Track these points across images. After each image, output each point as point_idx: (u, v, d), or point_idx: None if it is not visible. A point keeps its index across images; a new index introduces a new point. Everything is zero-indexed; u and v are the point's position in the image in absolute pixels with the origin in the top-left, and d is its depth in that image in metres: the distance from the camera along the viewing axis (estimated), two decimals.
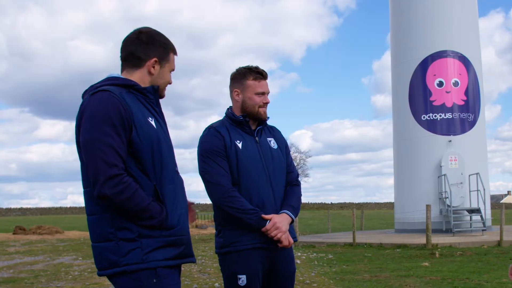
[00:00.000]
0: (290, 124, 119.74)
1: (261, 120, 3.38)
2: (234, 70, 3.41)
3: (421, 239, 15.36)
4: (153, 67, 2.61)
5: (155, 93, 2.60)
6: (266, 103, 3.35)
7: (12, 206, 75.49)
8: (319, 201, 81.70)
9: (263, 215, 3.14)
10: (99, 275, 2.47)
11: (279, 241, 3.15)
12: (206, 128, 3.34)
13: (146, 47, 2.60)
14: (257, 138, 3.34)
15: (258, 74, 3.34)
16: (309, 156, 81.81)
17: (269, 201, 3.22)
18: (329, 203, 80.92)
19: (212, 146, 3.21)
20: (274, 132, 3.50)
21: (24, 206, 76.09)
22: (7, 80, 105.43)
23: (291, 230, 3.29)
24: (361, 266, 11.18)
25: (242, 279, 3.14)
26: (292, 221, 3.26)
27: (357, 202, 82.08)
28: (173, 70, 2.72)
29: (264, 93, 3.34)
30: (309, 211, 67.70)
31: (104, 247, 2.42)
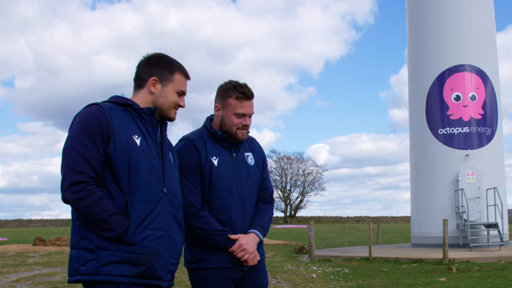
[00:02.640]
0: (308, 138, 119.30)
1: (239, 142, 3.24)
2: (223, 82, 3.23)
3: (438, 254, 15.24)
4: (154, 86, 2.72)
5: (151, 114, 2.68)
6: (246, 126, 3.16)
7: (33, 218, 76.29)
8: (336, 215, 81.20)
9: (230, 236, 3.07)
10: (68, 281, 2.54)
11: (245, 261, 3.11)
12: (183, 139, 3.20)
13: (149, 68, 2.74)
14: (234, 154, 3.20)
15: (242, 94, 3.12)
16: (326, 170, 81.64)
17: (239, 220, 3.14)
18: (346, 216, 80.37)
19: (187, 160, 3.08)
20: (253, 145, 3.36)
21: (45, 218, 76.83)
22: (33, 94, 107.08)
23: (260, 248, 3.23)
24: (377, 281, 11.14)
25: None
26: (260, 241, 3.18)
27: (373, 216, 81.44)
28: (181, 91, 2.78)
29: (245, 115, 3.15)
30: (326, 224, 67.36)
31: (72, 255, 2.54)
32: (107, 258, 2.44)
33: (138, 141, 2.58)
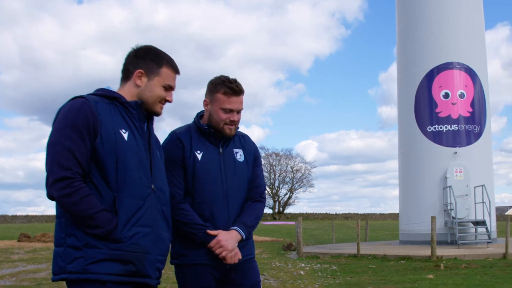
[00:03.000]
0: (296, 134, 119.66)
1: (226, 137, 3.19)
2: (213, 77, 3.21)
3: (426, 251, 15.26)
4: (139, 79, 2.64)
5: (138, 108, 2.60)
6: (233, 121, 3.12)
7: (18, 213, 75.70)
8: (324, 212, 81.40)
9: (209, 231, 3.00)
10: (52, 280, 2.46)
11: (223, 258, 3.02)
12: (170, 134, 3.20)
13: (137, 60, 2.66)
14: (221, 149, 3.16)
15: (230, 89, 3.09)
16: (314, 167, 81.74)
17: (222, 216, 3.07)
18: (334, 213, 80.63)
19: (170, 153, 3.06)
20: (245, 142, 3.29)
21: (30, 214, 76.23)
22: (18, 89, 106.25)
23: (250, 246, 3.18)
24: (365, 278, 11.11)
25: None
26: (242, 239, 3.07)
27: (361, 213, 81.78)
28: (169, 87, 2.70)
29: (232, 110, 3.11)
30: (314, 221, 67.46)
31: (57, 252, 2.45)
32: (95, 256, 2.37)
33: (125, 136, 2.50)
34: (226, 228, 3.07)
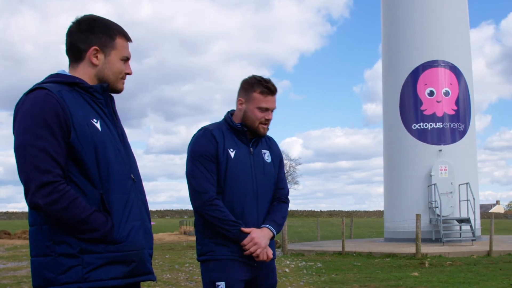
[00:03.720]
0: (281, 132, 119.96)
1: (259, 136, 3.24)
2: (246, 77, 3.25)
3: (410, 248, 15.27)
4: (95, 56, 2.35)
5: (104, 92, 2.35)
6: (268, 120, 3.19)
7: None
8: (309, 209, 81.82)
9: (243, 229, 3.04)
10: None
11: (257, 256, 3.06)
12: (201, 129, 3.19)
13: (85, 36, 2.34)
14: (251, 149, 3.20)
15: (266, 88, 3.15)
16: (299, 164, 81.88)
17: (252, 215, 3.11)
18: (319, 210, 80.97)
19: (204, 149, 3.07)
20: (271, 144, 3.37)
21: (10, 210, 75.50)
22: None
23: (272, 246, 3.19)
24: (350, 275, 11.06)
25: (221, 286, 3.04)
26: (273, 237, 3.15)
27: (346, 210, 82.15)
28: (126, 58, 2.43)
29: (268, 109, 3.17)
30: (298, 218, 67.56)
31: (40, 263, 2.18)
32: (95, 262, 2.15)
33: (98, 126, 2.24)
34: (255, 226, 3.10)
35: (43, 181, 2.10)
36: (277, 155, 3.35)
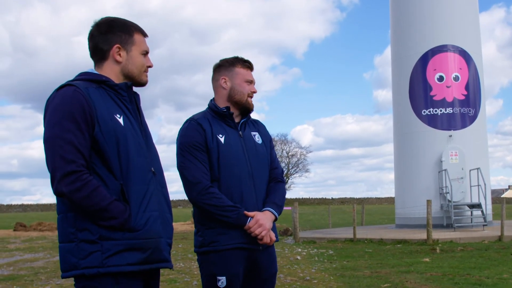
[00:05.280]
0: (292, 119, 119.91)
1: (248, 111, 3.26)
2: (217, 61, 3.31)
3: (421, 235, 15.33)
4: (119, 54, 2.54)
5: (128, 89, 2.53)
6: (253, 93, 3.25)
7: (13, 203, 75.80)
8: (320, 196, 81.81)
9: (246, 212, 3.02)
10: (62, 277, 2.40)
11: (261, 238, 3.04)
12: (187, 120, 3.19)
13: (106, 37, 2.54)
14: (240, 132, 3.20)
15: (247, 62, 3.25)
16: (310, 151, 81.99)
17: (251, 198, 3.09)
18: (330, 198, 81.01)
19: (192, 139, 3.07)
20: (259, 126, 3.37)
21: (25, 203, 76.35)
22: (10, 76, 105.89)
23: (273, 229, 3.17)
24: (362, 262, 11.15)
25: (222, 280, 3.03)
26: (275, 219, 3.15)
27: (358, 197, 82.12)
28: (146, 51, 2.62)
29: (252, 82, 3.24)
30: (310, 206, 67.72)
31: (65, 248, 2.36)
32: (112, 248, 2.31)
33: (121, 121, 2.42)
34: (255, 209, 3.09)
35: (67, 170, 2.27)
36: (266, 135, 3.35)
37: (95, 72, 2.53)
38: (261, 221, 3.02)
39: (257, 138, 3.27)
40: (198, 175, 3.01)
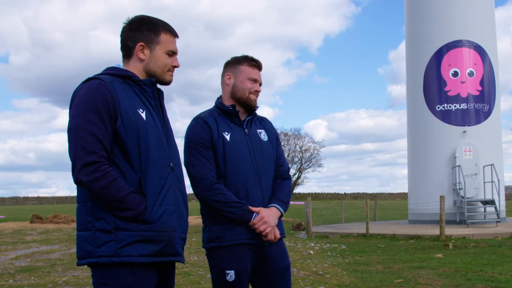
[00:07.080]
0: (305, 114, 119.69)
1: (251, 108, 3.29)
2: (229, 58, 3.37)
3: (434, 230, 15.32)
4: (142, 52, 2.60)
5: (152, 86, 2.59)
6: (257, 91, 3.28)
7: (30, 195, 76.62)
8: (333, 191, 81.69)
9: (251, 208, 3.07)
10: (78, 264, 2.45)
11: (265, 235, 3.08)
12: (194, 119, 3.24)
13: (133, 34, 2.60)
14: (246, 130, 3.25)
15: (253, 61, 3.30)
16: (323, 146, 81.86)
17: (256, 195, 3.14)
18: (343, 193, 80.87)
19: (198, 137, 3.12)
20: (265, 124, 3.41)
21: (42, 195, 77.13)
22: (28, 70, 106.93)
23: (280, 225, 3.21)
24: (374, 257, 11.20)
25: (230, 274, 3.07)
26: (281, 216, 3.18)
27: (370, 193, 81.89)
28: (172, 52, 2.67)
29: (256, 81, 3.28)
30: (323, 201, 67.67)
31: (82, 236, 2.42)
32: (127, 239, 2.37)
33: (143, 115, 2.48)
34: (260, 206, 3.13)
35: (88, 160, 2.34)
36: (272, 133, 3.39)
37: (122, 67, 2.61)
38: (266, 218, 3.06)
39: (263, 136, 3.32)
40: (204, 171, 3.07)
